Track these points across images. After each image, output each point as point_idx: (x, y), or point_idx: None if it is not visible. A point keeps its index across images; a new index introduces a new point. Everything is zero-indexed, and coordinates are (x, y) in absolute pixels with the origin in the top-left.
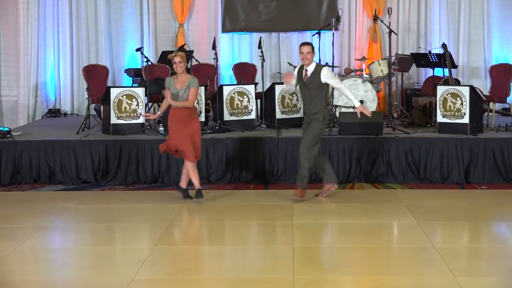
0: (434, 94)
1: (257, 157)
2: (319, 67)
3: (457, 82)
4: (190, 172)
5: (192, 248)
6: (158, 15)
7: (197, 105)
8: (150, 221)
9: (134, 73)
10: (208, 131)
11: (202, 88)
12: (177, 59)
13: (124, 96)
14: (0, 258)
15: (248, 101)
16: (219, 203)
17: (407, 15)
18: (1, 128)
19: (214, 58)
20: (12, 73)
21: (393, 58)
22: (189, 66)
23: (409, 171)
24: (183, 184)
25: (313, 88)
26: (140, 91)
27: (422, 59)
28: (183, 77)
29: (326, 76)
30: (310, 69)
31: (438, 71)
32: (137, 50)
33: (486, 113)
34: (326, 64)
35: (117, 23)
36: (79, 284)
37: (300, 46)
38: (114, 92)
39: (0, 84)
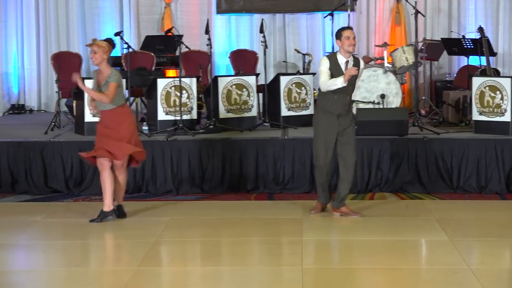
0: (469, 87)
1: (260, 161)
2: (356, 58)
3: (497, 73)
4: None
5: (183, 270)
6: None
7: (187, 100)
8: (133, 238)
9: (113, 62)
10: (201, 130)
11: (194, 80)
12: (92, 48)
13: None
14: None
15: (248, 95)
16: (214, 216)
17: None
18: None
19: (207, 44)
20: None
21: (420, 45)
22: (177, 53)
23: (439, 179)
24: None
25: (352, 84)
26: None
27: (454, 46)
28: (103, 71)
29: (362, 69)
30: (351, 59)
31: (474, 60)
32: (116, 34)
33: None
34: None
35: (91, 2)
36: None
37: (342, 30)
38: (88, 85)
39: None
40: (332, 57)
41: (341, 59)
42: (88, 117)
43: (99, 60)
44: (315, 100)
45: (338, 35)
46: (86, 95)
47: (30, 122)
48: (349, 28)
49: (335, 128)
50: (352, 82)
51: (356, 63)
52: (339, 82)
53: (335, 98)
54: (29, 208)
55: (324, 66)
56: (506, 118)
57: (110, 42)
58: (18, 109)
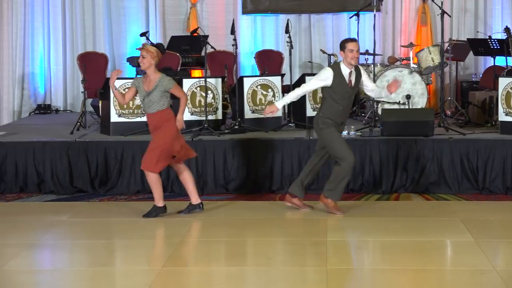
0: (496, 88)
1: (284, 162)
2: (356, 67)
3: None
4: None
5: (207, 269)
6: None
7: (212, 100)
8: (158, 238)
9: (138, 63)
10: (226, 131)
11: (219, 80)
12: (142, 53)
13: (127, 90)
14: None
15: (273, 95)
16: (239, 216)
17: None
18: None
19: (233, 45)
20: None
21: (446, 45)
22: (203, 54)
23: (465, 180)
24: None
25: (353, 94)
26: None
27: (480, 46)
28: (151, 76)
29: (365, 75)
30: (353, 71)
31: (500, 60)
32: (142, 35)
33: None
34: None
35: (118, 3)
36: None
37: (346, 42)
38: (115, 85)
39: None
40: (336, 67)
41: (345, 70)
42: (114, 117)
43: (147, 65)
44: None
45: (342, 46)
46: (112, 96)
47: (56, 122)
48: (353, 40)
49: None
50: (355, 91)
51: (358, 73)
52: (278, 104)
53: (340, 110)
54: (55, 207)
55: (320, 78)
56: None
57: (159, 48)
58: (44, 109)
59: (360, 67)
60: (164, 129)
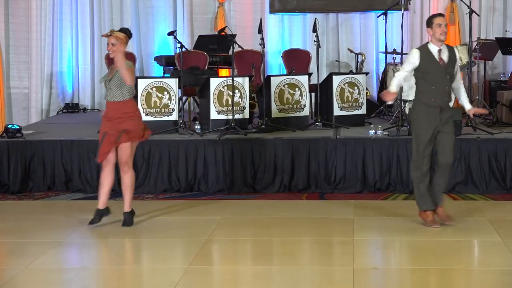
0: None
1: (311, 161)
2: (450, 47)
3: None
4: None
5: (234, 268)
6: None
7: (239, 99)
8: (184, 237)
9: (166, 61)
10: (253, 130)
11: (246, 80)
12: (110, 40)
13: (154, 89)
14: (8, 278)
15: (301, 94)
16: (265, 215)
17: None
18: (10, 126)
19: (260, 44)
20: (23, 61)
21: (474, 44)
22: (230, 53)
23: (493, 179)
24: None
25: (450, 73)
26: (172, 83)
27: (509, 45)
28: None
29: (458, 60)
30: (444, 48)
31: None
32: (170, 34)
33: None
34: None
35: (145, 2)
36: None
37: (434, 17)
38: (142, 84)
39: (9, 74)
40: (423, 48)
41: (433, 48)
42: (142, 115)
43: (117, 53)
44: (367, 100)
45: (429, 22)
46: (139, 94)
47: (83, 121)
48: (440, 15)
49: (435, 122)
50: (450, 71)
51: (451, 53)
52: (392, 89)
53: (432, 89)
54: (82, 206)
55: (409, 61)
56: None
57: (127, 33)
58: (72, 108)
59: (457, 51)
60: (128, 124)
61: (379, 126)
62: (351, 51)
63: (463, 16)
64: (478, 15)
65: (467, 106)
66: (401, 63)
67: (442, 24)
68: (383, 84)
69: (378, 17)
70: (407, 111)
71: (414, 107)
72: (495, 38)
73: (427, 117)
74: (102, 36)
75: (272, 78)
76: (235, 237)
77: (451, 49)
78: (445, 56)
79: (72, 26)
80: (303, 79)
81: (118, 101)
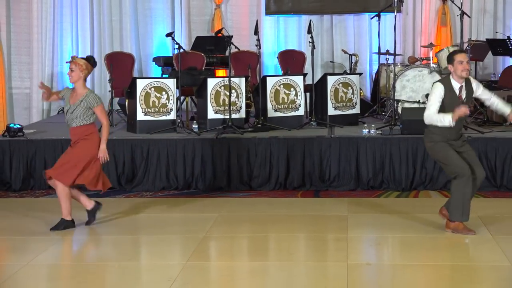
0: None
1: (306, 159)
2: (467, 80)
3: None
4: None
5: (230, 264)
6: None
7: (236, 99)
8: (182, 233)
9: (164, 62)
10: (250, 129)
11: (243, 80)
12: (70, 66)
13: (152, 89)
14: (10, 274)
15: (296, 94)
16: (261, 212)
17: None
18: (12, 125)
19: (256, 45)
20: (24, 62)
21: (465, 45)
22: (227, 54)
23: None
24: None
25: (467, 103)
26: (170, 83)
27: (499, 46)
28: (78, 90)
29: (479, 88)
30: (464, 84)
31: None
32: (168, 35)
33: None
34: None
35: (144, 4)
36: None
37: (455, 54)
38: (140, 84)
39: (11, 75)
40: (446, 81)
41: (455, 84)
42: (140, 115)
43: (76, 79)
44: (361, 100)
45: (450, 59)
46: (138, 94)
47: None
48: (462, 51)
49: (453, 148)
50: (467, 101)
51: (469, 86)
52: (447, 121)
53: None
54: None
55: (437, 94)
56: None
57: (89, 61)
58: None
59: (472, 80)
60: (84, 144)
61: (373, 125)
62: (345, 52)
63: (454, 17)
64: (469, 17)
65: (507, 110)
66: (394, 63)
67: (463, 61)
68: (376, 84)
69: (371, 18)
70: (399, 110)
71: (432, 140)
72: (486, 39)
73: (445, 143)
74: (66, 62)
75: (268, 78)
76: (232, 233)
77: (468, 83)
78: (464, 93)
79: (72, 28)
80: (298, 79)
81: (82, 125)
